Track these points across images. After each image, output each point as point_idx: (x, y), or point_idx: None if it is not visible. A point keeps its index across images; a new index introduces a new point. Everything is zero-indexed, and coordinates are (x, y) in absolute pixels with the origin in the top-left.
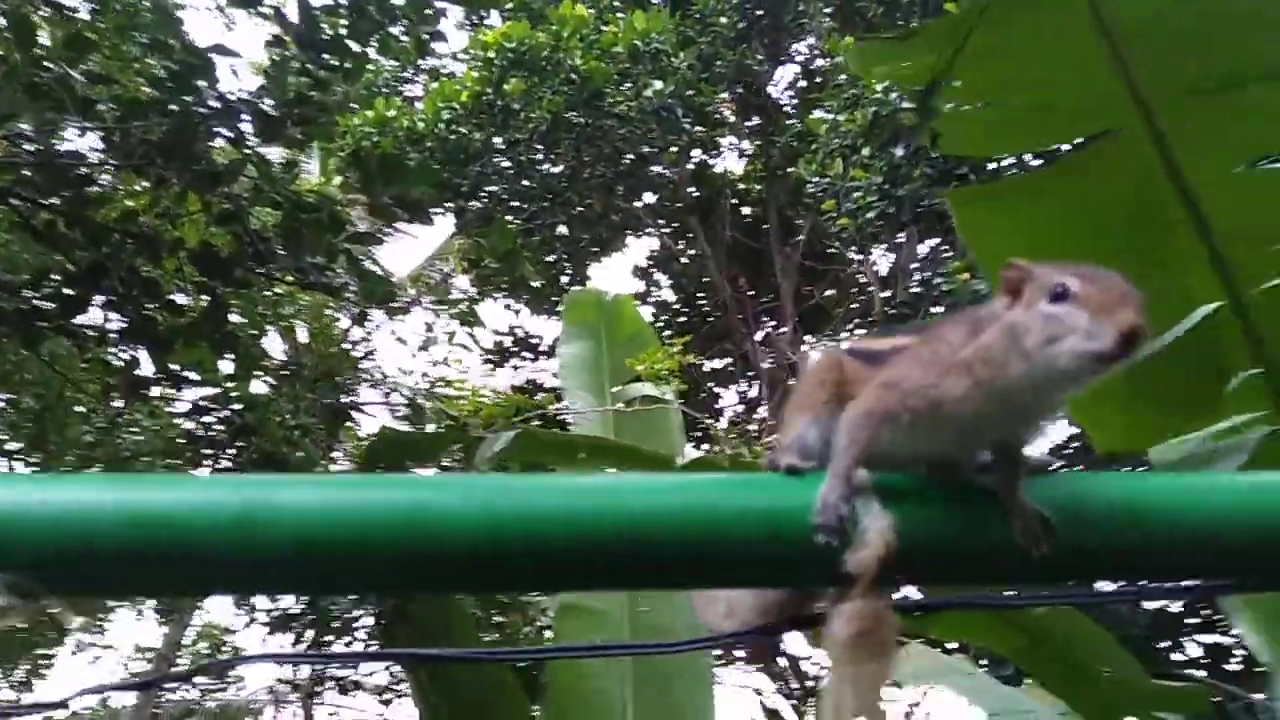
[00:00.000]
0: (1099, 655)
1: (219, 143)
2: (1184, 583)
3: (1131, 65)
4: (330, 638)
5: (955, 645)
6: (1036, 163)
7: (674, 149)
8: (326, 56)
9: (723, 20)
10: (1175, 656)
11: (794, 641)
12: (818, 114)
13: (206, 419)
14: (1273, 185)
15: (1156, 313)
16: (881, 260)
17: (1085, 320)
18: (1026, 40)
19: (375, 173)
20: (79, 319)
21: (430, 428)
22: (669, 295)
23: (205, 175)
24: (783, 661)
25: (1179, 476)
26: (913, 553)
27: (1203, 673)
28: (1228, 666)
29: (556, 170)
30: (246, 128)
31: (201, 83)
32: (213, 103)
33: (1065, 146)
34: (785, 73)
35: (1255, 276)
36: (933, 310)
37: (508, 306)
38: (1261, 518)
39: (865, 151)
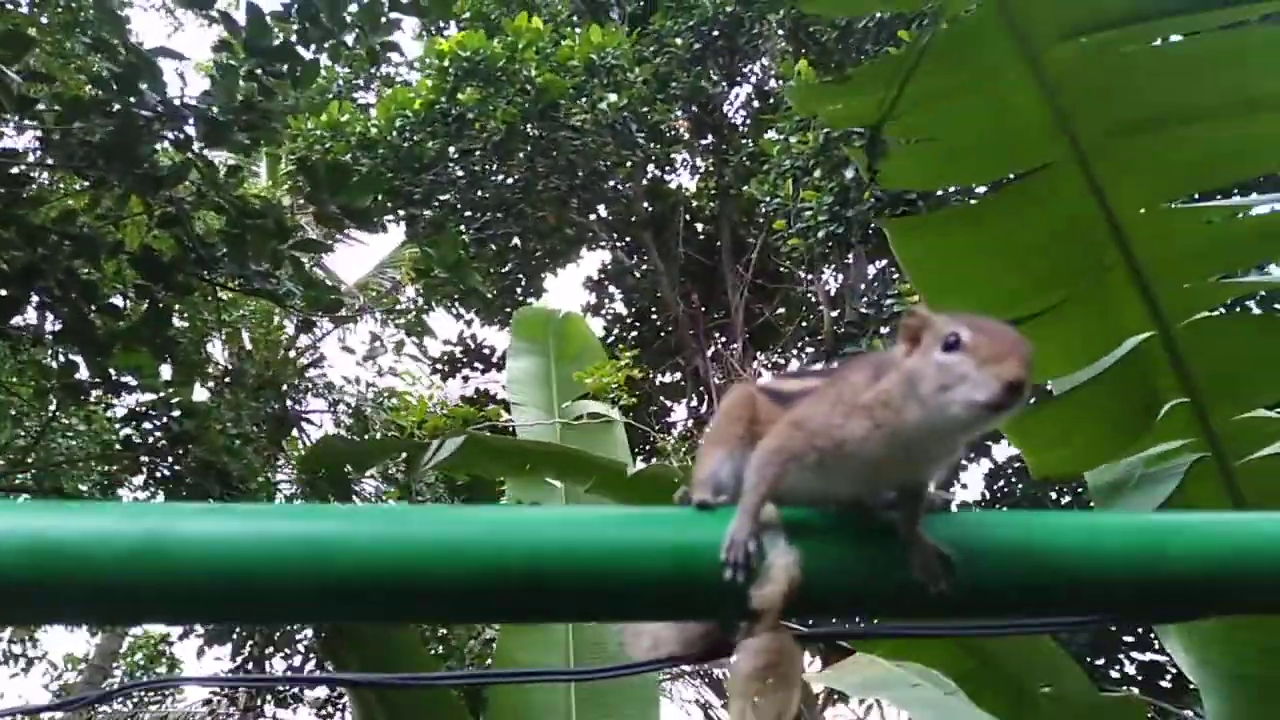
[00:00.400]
0: (1048, 673)
1: (163, 145)
2: (1073, 619)
3: (1062, 106)
4: (271, 649)
5: None
6: (983, 189)
7: (629, 164)
8: (275, 64)
9: (678, 41)
10: (1113, 674)
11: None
12: (770, 135)
13: (145, 426)
14: (1193, 221)
15: (1089, 342)
16: (831, 280)
17: (973, 370)
18: (963, 81)
19: (323, 181)
20: (14, 320)
21: (376, 437)
22: (622, 309)
23: (148, 178)
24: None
25: (1070, 516)
26: (819, 589)
27: (1137, 689)
28: (1162, 683)
29: (510, 181)
30: (192, 130)
31: (145, 85)
32: (158, 106)
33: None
34: (740, 92)
35: (1181, 309)
36: (881, 331)
37: (459, 316)
38: (1138, 557)
39: (817, 174)
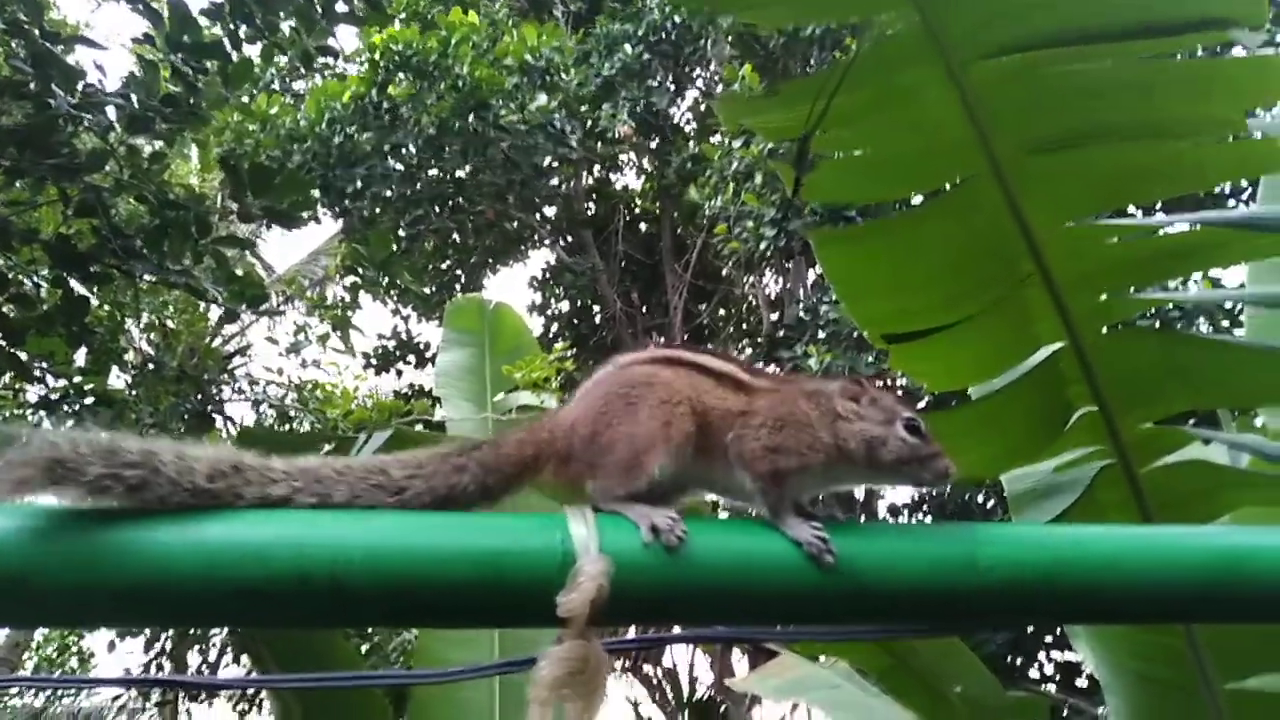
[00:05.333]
0: (959, 672)
1: (83, 131)
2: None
3: (982, 125)
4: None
5: None
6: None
7: (567, 162)
8: (200, 60)
9: (627, 49)
10: (1031, 673)
11: (675, 652)
12: (715, 140)
13: (58, 415)
14: (1104, 238)
15: (1004, 351)
16: (772, 284)
17: (930, 454)
18: (887, 96)
19: (245, 180)
20: None
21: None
22: (566, 307)
23: (65, 165)
24: (657, 671)
25: (886, 531)
26: (633, 596)
27: (1054, 688)
28: (1078, 683)
29: (445, 175)
30: (113, 117)
31: (54, 82)
32: (73, 95)
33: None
34: (687, 95)
35: (1092, 321)
36: (818, 336)
37: (395, 311)
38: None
39: (758, 180)
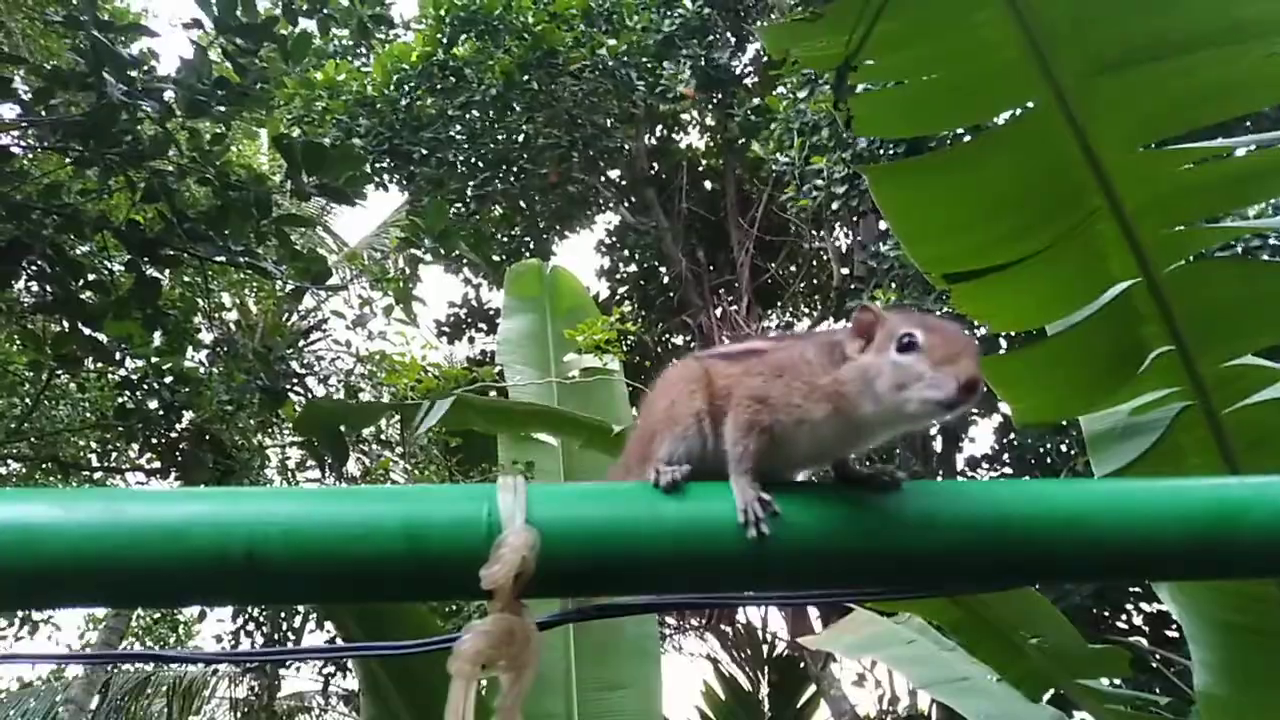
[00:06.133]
0: (1037, 624)
1: (145, 118)
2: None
3: (1041, 42)
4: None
5: None
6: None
7: (631, 116)
8: (250, 40)
9: (686, 3)
10: (1119, 624)
11: (752, 612)
12: (779, 91)
13: (140, 394)
14: (1177, 163)
15: (1072, 289)
16: (841, 237)
17: (929, 370)
18: (936, 22)
19: (298, 159)
20: (5, 292)
21: (367, 399)
22: (632, 270)
23: (129, 152)
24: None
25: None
26: (564, 567)
27: (1145, 640)
28: (1168, 633)
29: (510, 138)
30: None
31: (106, 71)
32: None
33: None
34: (749, 48)
35: (1166, 254)
36: (888, 283)
37: (467, 280)
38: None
39: (825, 133)
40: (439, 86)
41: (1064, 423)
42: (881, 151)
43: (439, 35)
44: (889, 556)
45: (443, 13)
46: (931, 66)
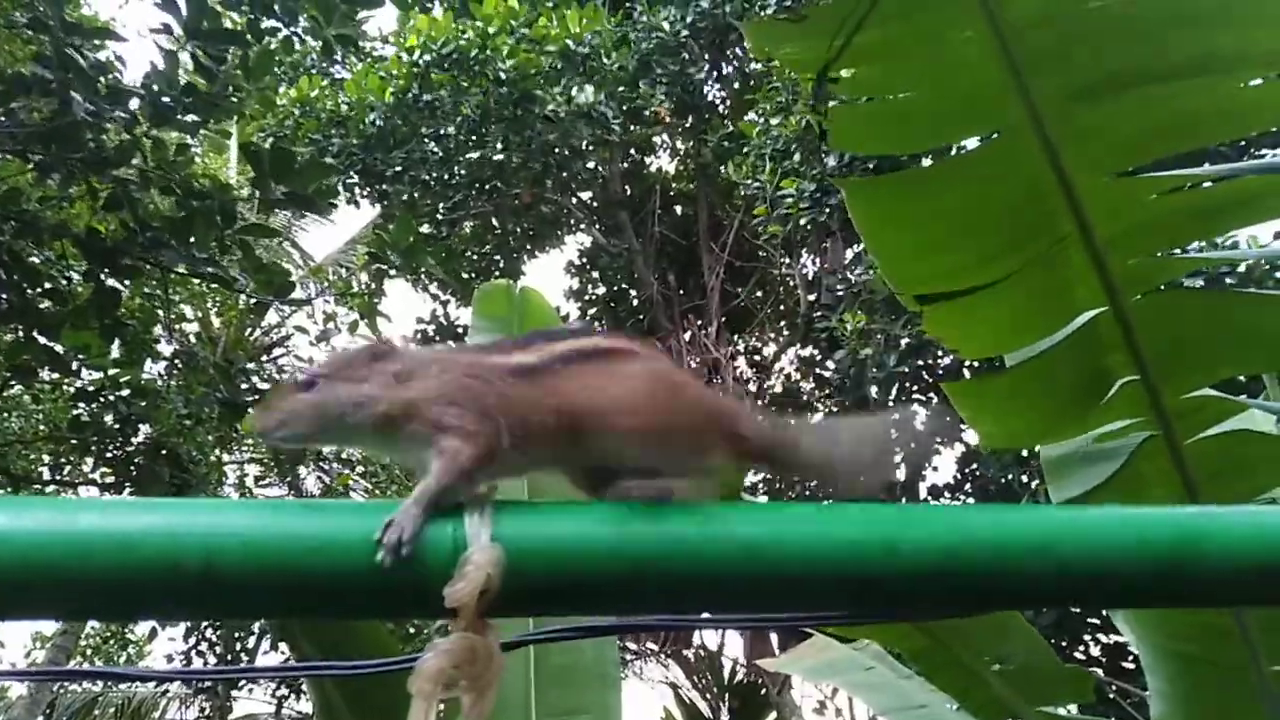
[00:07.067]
0: (1008, 645)
1: (110, 125)
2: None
3: (1021, 65)
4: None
5: None
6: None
7: (606, 144)
8: (219, 48)
9: (665, 26)
10: (1077, 655)
11: (710, 636)
12: (750, 117)
13: (95, 406)
14: (1148, 192)
15: (1041, 315)
16: (809, 264)
17: None
18: (918, 37)
19: (266, 166)
20: None
21: None
22: (601, 291)
23: (92, 159)
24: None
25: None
26: (530, 586)
27: (1100, 670)
28: (1124, 664)
29: (485, 158)
30: (138, 110)
31: (72, 75)
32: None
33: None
34: (725, 70)
35: (1134, 283)
36: (854, 308)
37: (435, 297)
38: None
39: (796, 157)
40: (413, 114)
41: (1024, 452)
42: (849, 172)
43: (415, 70)
44: (852, 579)
45: (416, 54)
46: (910, 83)
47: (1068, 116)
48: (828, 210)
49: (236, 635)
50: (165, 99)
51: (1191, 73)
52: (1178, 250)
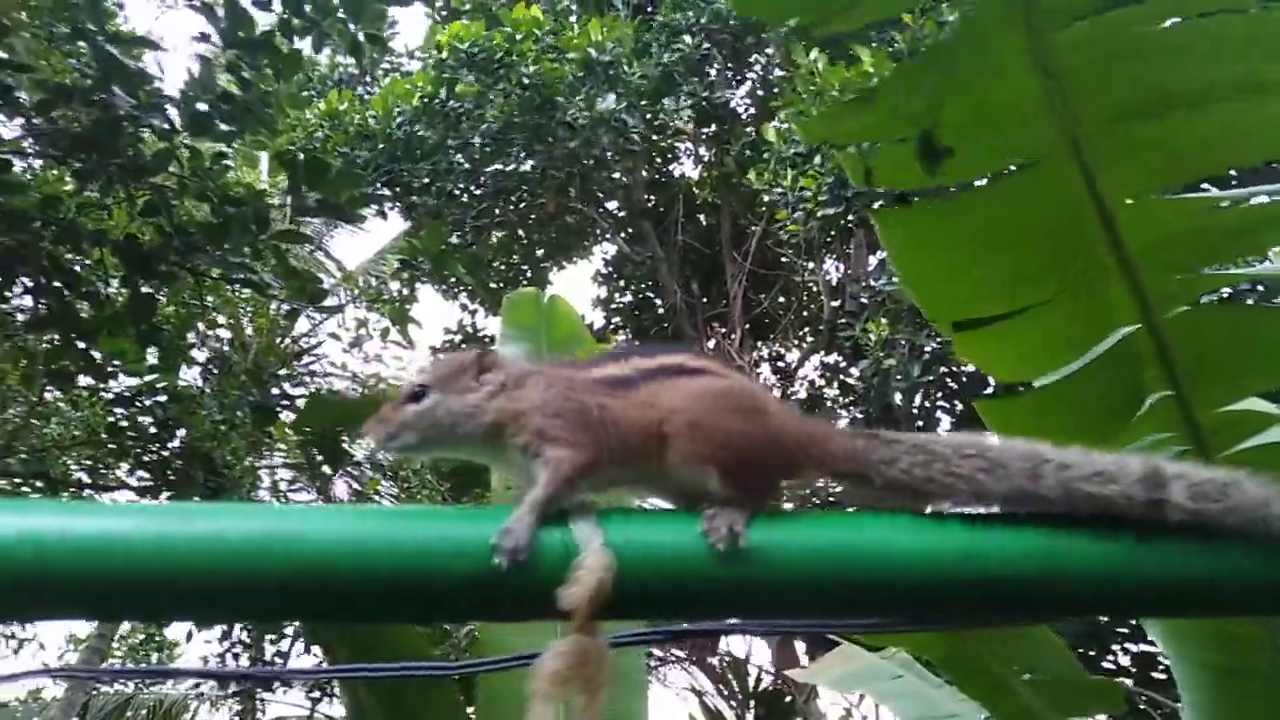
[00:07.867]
0: (1037, 656)
1: (147, 134)
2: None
3: (1062, 96)
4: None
5: None
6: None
7: (629, 154)
8: (255, 56)
9: (686, 39)
10: (1105, 664)
11: (736, 643)
12: (772, 125)
13: (132, 411)
14: (1184, 212)
15: (1076, 336)
16: (832, 270)
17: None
18: (964, 71)
19: (300, 175)
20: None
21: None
22: (628, 300)
23: (130, 166)
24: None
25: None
26: (638, 590)
27: (1130, 680)
28: (1154, 674)
29: (509, 169)
30: (176, 119)
31: (115, 84)
32: (136, 96)
33: None
34: (745, 78)
35: (1168, 299)
36: (879, 317)
37: (464, 307)
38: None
39: (817, 160)
40: (438, 123)
41: None
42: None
43: (443, 74)
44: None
45: (444, 54)
46: (954, 117)
47: (1105, 139)
48: (845, 202)
49: (268, 638)
50: (201, 106)
51: (1229, 95)
52: (1212, 268)
